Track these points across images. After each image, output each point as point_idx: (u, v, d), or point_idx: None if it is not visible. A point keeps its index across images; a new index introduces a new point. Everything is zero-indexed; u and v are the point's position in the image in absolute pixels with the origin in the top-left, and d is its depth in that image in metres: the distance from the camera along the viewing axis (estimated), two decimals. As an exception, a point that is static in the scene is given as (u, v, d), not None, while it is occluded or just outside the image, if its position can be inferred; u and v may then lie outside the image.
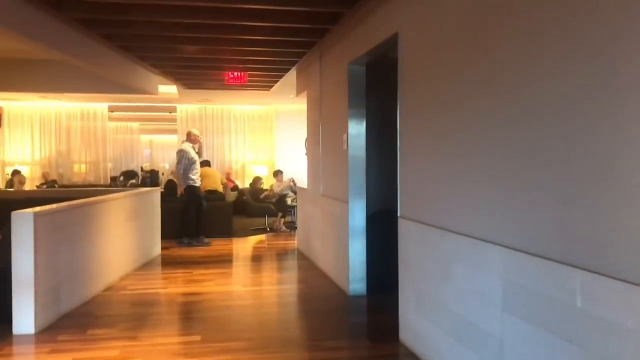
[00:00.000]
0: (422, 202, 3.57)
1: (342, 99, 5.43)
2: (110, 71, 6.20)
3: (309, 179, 7.33)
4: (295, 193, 11.44)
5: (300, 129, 13.67)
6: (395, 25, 4.01)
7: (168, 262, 6.97)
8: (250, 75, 7.76)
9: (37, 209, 4.24)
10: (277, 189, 11.34)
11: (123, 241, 6.15)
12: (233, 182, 12.51)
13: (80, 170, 13.09)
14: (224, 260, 7.24)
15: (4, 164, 12.34)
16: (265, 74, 7.90)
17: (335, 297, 5.21)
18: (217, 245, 8.24)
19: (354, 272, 5.26)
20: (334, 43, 5.73)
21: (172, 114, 13.84)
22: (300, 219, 7.99)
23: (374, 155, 5.45)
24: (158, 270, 6.61)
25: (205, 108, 13.52)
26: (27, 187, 12.13)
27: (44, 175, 12.10)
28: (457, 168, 3.07)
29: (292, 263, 7.19)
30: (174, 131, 14.22)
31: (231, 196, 10.62)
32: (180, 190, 8.24)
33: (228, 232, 9.10)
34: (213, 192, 9.65)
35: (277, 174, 11.83)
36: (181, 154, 8.20)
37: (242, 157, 13.68)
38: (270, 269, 6.86)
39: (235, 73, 7.51)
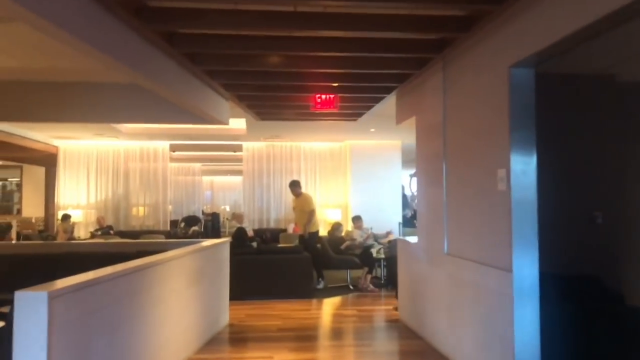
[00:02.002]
0: None
1: (495, 120, 3.77)
2: (173, 89, 4.80)
3: (421, 230, 5.60)
4: (377, 242, 9.84)
5: (378, 167, 12.25)
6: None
7: (238, 338, 5.34)
8: (340, 100, 6.22)
9: (58, 283, 2.74)
10: (359, 238, 9.66)
11: (183, 315, 4.60)
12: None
13: (138, 213, 11.90)
14: (310, 337, 5.54)
15: (58, 208, 11.29)
16: (360, 97, 6.31)
17: (497, 416, 3.40)
18: (297, 312, 6.56)
19: (523, 377, 3.47)
20: (478, 42, 4.09)
21: (237, 153, 12.59)
22: (402, 281, 6.22)
23: (547, 197, 3.73)
24: (227, 352, 4.98)
25: (273, 146, 12.16)
26: (82, 233, 11.03)
27: (98, 220, 10.92)
28: None
29: (400, 344, 5.38)
30: (238, 172, 12.94)
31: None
32: None
33: (309, 293, 7.40)
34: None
35: (357, 219, 10.17)
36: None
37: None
38: (375, 355, 5.06)
39: (324, 96, 5.99)
